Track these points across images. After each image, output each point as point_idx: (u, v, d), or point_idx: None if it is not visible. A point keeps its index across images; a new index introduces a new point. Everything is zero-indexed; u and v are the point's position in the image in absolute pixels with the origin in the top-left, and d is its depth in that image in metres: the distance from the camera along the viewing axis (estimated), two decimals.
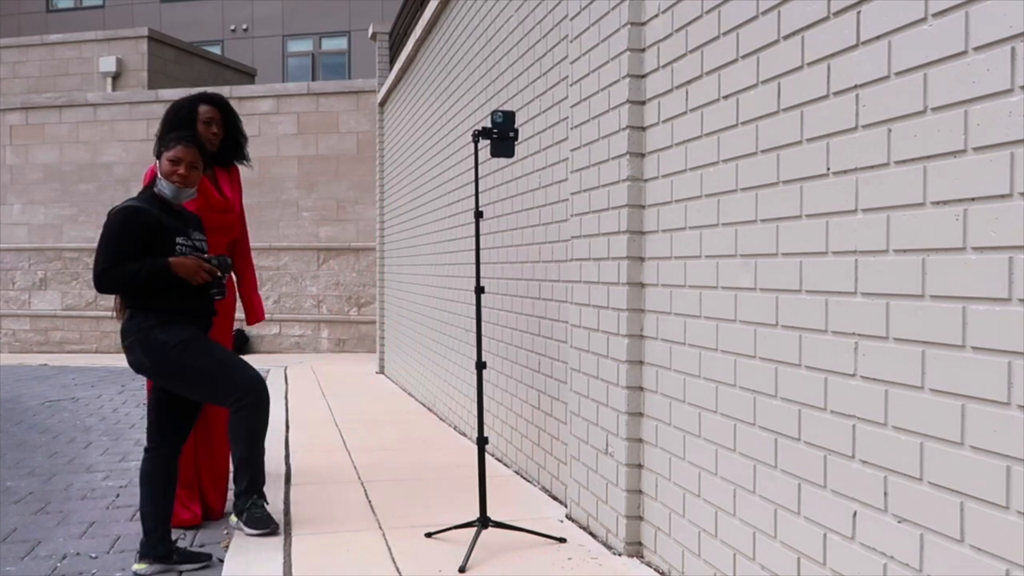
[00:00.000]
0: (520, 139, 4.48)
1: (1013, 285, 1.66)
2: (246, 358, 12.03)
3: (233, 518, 3.78)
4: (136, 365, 3.42)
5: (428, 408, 7.19)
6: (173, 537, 3.45)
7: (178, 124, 3.97)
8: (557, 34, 4.11)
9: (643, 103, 3.19)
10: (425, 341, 7.40)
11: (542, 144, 4.29)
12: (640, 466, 3.25)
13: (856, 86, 2.07)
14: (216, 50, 22.98)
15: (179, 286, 3.38)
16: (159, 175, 3.42)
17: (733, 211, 2.61)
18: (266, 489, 3.81)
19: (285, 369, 10.23)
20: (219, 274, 3.46)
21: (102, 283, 3.31)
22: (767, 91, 2.43)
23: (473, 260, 5.67)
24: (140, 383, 9.33)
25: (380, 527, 3.71)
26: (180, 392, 3.45)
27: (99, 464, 5.39)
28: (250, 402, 3.54)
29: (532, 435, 4.51)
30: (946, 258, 1.81)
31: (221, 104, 4.14)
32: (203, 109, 4.06)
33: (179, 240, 3.40)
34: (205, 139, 4.00)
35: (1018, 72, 1.64)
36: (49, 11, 25.09)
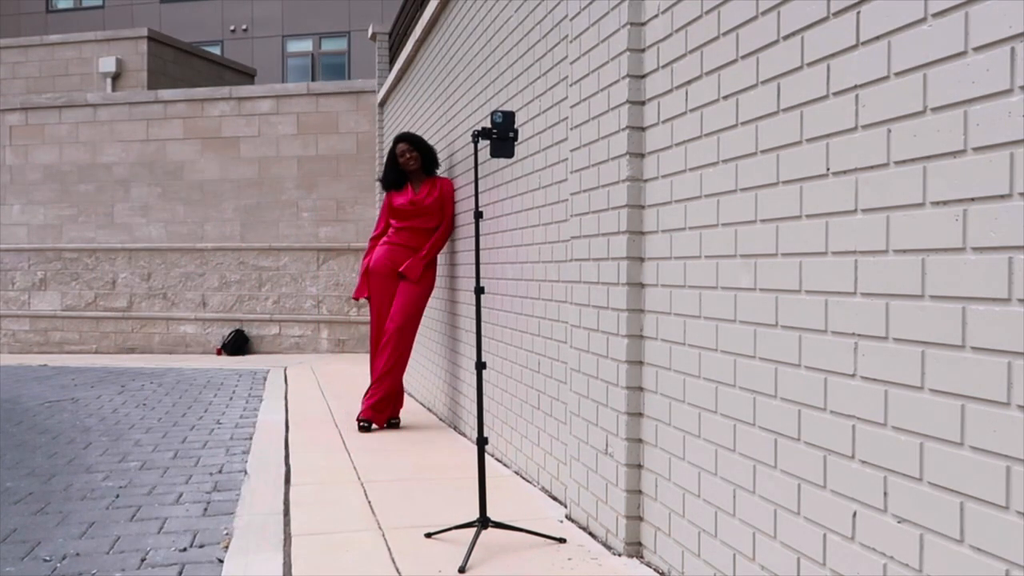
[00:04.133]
0: (520, 139, 4.48)
1: (1013, 285, 1.66)
2: (246, 358, 12.07)
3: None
4: None
5: (428, 408, 7.19)
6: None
7: (389, 161, 6.24)
8: (557, 34, 4.11)
9: (643, 103, 3.19)
10: (425, 341, 7.40)
11: (542, 144, 4.29)
12: (640, 466, 3.25)
13: (856, 86, 2.07)
14: (216, 50, 22.98)
15: None
16: None
17: (733, 211, 2.61)
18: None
19: (285, 369, 10.23)
20: None
21: None
22: (767, 91, 2.43)
23: (473, 260, 5.67)
24: (140, 383, 9.33)
25: (380, 527, 3.72)
26: None
27: (99, 464, 5.39)
28: None
29: (532, 435, 4.51)
30: (946, 258, 1.81)
31: (407, 139, 6.15)
32: (399, 147, 6.14)
33: None
34: (404, 164, 6.14)
35: (1018, 72, 1.64)
36: (49, 11, 25.10)
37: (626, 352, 3.24)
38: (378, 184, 10.51)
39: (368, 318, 12.25)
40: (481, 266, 5.23)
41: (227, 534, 3.82)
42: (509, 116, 3.61)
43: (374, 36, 10.88)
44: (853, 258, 2.09)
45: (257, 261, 12.44)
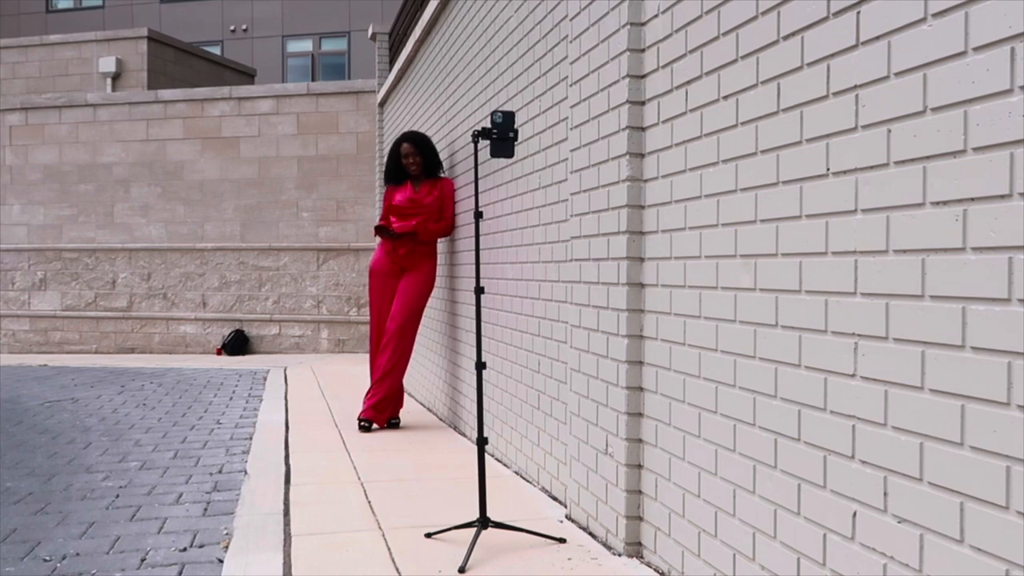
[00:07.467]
0: (520, 139, 4.48)
1: (1013, 285, 1.66)
2: (246, 358, 12.06)
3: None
4: None
5: (428, 408, 7.19)
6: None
7: (392, 157, 6.25)
8: (557, 34, 4.11)
9: (643, 103, 3.19)
10: (425, 341, 7.40)
11: (542, 144, 4.29)
12: (640, 466, 3.26)
13: (856, 86, 2.07)
14: (216, 50, 22.99)
15: None
16: None
17: (733, 211, 2.61)
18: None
19: (285, 369, 10.23)
20: None
21: None
22: (767, 91, 2.43)
23: (473, 260, 5.67)
24: (140, 383, 9.33)
25: (380, 527, 3.72)
26: None
27: (99, 464, 5.39)
28: None
29: (532, 435, 4.51)
30: (946, 258, 1.81)
31: (412, 140, 6.15)
32: (404, 147, 6.15)
33: None
34: (406, 167, 6.17)
35: (1018, 72, 1.64)
36: (49, 11, 25.10)
37: (626, 352, 3.24)
38: (378, 184, 10.51)
39: (368, 318, 12.31)
40: (481, 266, 5.23)
41: (227, 534, 3.82)
42: (509, 116, 3.61)
43: (374, 36, 10.87)
44: (853, 258, 2.09)
45: (257, 261, 12.44)
